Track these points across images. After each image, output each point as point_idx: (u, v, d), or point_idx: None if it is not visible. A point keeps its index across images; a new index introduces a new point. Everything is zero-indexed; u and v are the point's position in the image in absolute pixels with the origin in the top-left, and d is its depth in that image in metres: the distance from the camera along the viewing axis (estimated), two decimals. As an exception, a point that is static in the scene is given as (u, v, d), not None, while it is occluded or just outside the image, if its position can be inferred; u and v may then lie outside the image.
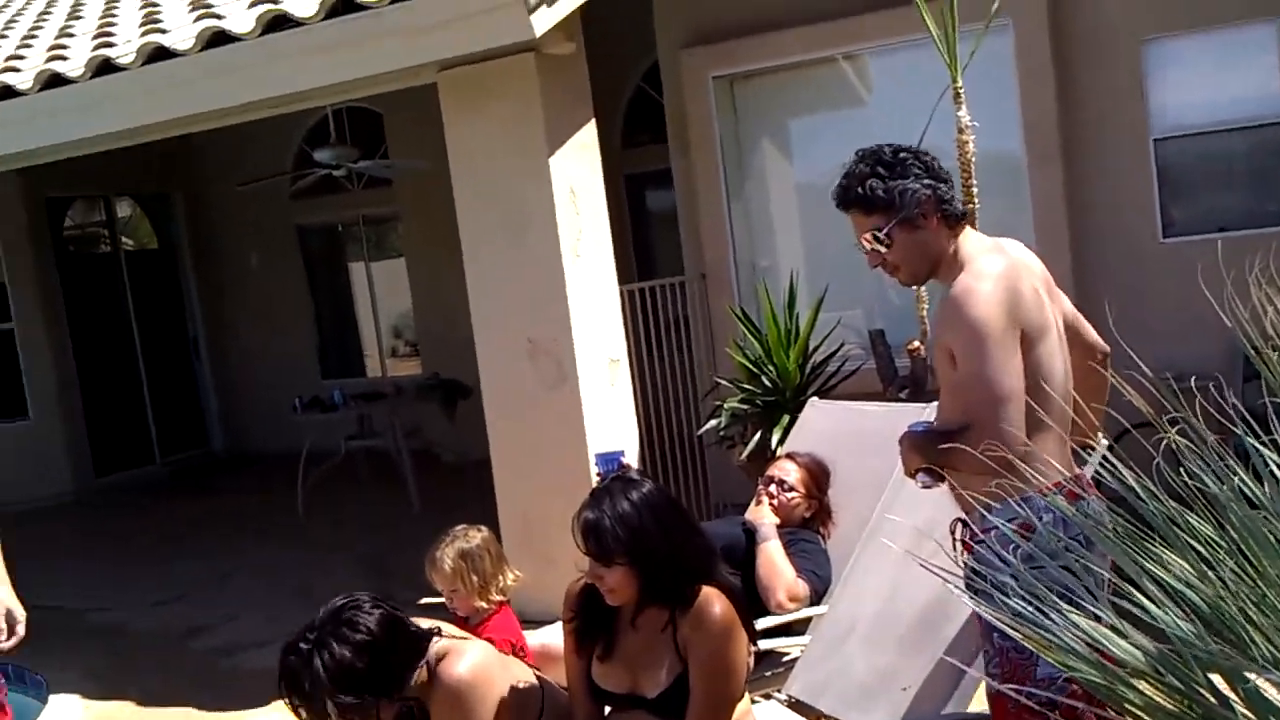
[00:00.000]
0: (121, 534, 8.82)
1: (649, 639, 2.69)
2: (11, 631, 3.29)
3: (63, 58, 5.93)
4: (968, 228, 2.66)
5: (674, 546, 2.65)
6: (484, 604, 3.53)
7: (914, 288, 4.82)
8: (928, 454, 2.56)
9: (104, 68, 5.45)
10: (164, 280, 11.38)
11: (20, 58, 6.49)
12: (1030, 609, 1.58)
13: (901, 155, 2.63)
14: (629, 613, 2.72)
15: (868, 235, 2.64)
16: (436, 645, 2.79)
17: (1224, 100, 5.76)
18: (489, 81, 4.98)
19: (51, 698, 5.25)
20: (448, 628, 2.93)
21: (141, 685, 5.31)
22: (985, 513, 2.20)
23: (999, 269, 2.53)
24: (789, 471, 4.04)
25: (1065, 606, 1.57)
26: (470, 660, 2.73)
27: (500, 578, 3.58)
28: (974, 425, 2.38)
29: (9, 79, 5.84)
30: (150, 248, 11.69)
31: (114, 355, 10.74)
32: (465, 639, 2.88)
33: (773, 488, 4.00)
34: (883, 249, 2.63)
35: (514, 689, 2.79)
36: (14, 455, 9.79)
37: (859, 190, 2.63)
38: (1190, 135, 5.82)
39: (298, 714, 2.69)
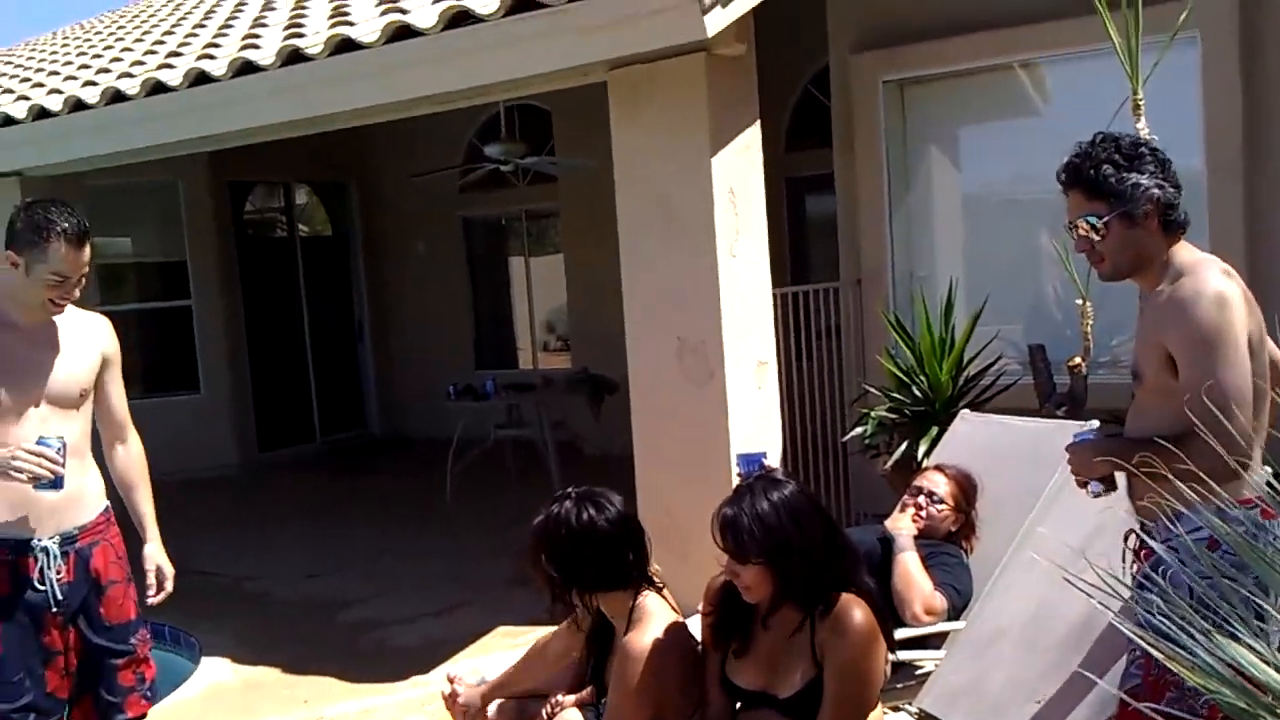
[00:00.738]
0: (279, 507, 9.18)
1: (785, 639, 2.68)
2: (160, 587, 3.43)
3: (255, 47, 6.22)
4: (1183, 240, 2.60)
5: (812, 549, 2.62)
6: None
7: (1079, 303, 4.71)
8: (1123, 458, 2.46)
9: (293, 57, 5.68)
10: (335, 266, 11.81)
11: (216, 46, 6.83)
12: (1174, 628, 1.53)
13: (1141, 149, 2.58)
14: (765, 611, 2.71)
15: (1084, 222, 2.59)
16: (645, 599, 2.88)
17: None
18: (657, 80, 5.02)
19: (203, 659, 5.53)
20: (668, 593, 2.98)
21: (288, 653, 5.51)
22: (1170, 524, 2.11)
23: (1227, 278, 2.50)
24: (939, 484, 3.96)
25: (1209, 628, 1.51)
26: (653, 635, 2.77)
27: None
28: (1197, 431, 2.24)
29: (204, 65, 6.15)
30: (324, 234, 12.15)
31: (283, 336, 11.20)
32: (669, 610, 2.91)
33: (921, 499, 3.93)
34: (1095, 237, 2.58)
35: (685, 675, 2.82)
36: (183, 426, 10.21)
37: (1091, 172, 2.57)
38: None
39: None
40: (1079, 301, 4.70)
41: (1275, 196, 5.62)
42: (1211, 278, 2.47)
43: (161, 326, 10.39)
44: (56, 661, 3.26)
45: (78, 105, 6.78)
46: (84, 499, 3.31)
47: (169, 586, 3.45)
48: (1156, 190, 2.53)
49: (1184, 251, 2.58)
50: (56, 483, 3.10)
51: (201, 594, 6.01)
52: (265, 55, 5.89)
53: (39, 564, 3.19)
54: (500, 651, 5.21)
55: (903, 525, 3.84)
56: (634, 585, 2.89)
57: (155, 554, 3.44)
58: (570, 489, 2.95)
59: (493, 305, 11.78)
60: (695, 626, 3.80)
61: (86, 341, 3.35)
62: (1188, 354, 2.43)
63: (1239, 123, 5.59)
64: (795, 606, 2.66)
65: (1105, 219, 2.55)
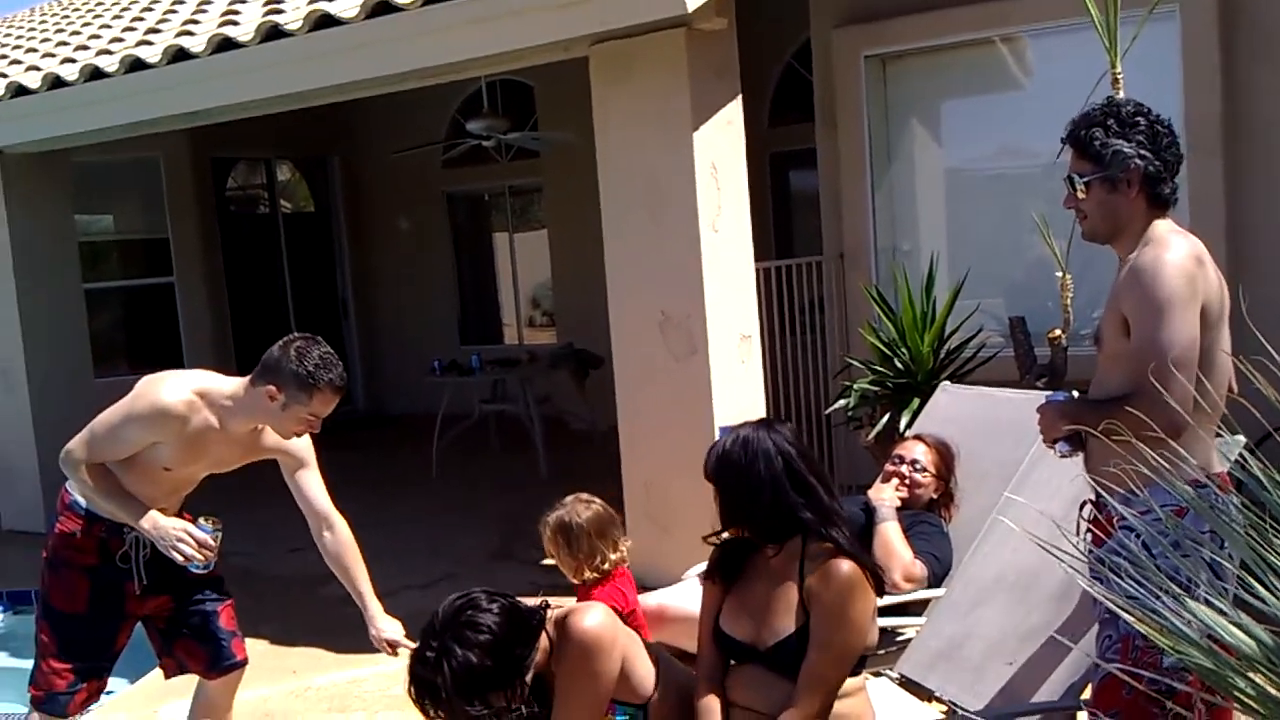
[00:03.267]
0: (263, 484, 9.16)
1: (776, 590, 2.71)
2: (397, 648, 3.51)
3: (234, 23, 6.19)
4: (1169, 216, 2.67)
5: (758, 487, 2.68)
6: (589, 574, 3.46)
7: (1059, 275, 4.74)
8: (1079, 419, 2.56)
9: (272, 33, 5.67)
10: (318, 242, 11.78)
11: (195, 23, 6.79)
12: (1146, 594, 1.57)
13: (1137, 118, 2.63)
14: (761, 561, 2.76)
15: (1069, 179, 2.70)
16: (553, 613, 2.80)
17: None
18: (638, 56, 5.02)
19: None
20: (554, 600, 2.91)
21: (274, 626, 5.52)
22: (1130, 495, 2.14)
23: (1190, 246, 2.56)
24: (920, 452, 4.01)
25: (1180, 593, 1.55)
26: (595, 616, 2.77)
27: (599, 556, 3.45)
28: (1140, 392, 2.35)
29: (183, 42, 6.12)
30: (307, 210, 12.11)
31: (267, 313, 11.16)
32: (585, 603, 2.91)
33: (904, 468, 3.98)
34: (1079, 195, 2.68)
35: (635, 651, 2.82)
36: (170, 404, 10.20)
37: (1081, 132, 2.67)
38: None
39: (428, 716, 2.72)
40: (1058, 274, 4.73)
41: (1255, 173, 5.65)
42: (1173, 249, 2.53)
43: (144, 304, 10.35)
44: (130, 625, 3.49)
45: (56, 83, 6.75)
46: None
47: (406, 641, 3.46)
48: (1139, 161, 2.58)
49: (1162, 225, 2.63)
50: (207, 565, 3.33)
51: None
52: (244, 32, 5.87)
53: (127, 547, 3.40)
54: (487, 625, 5.24)
55: (885, 495, 3.89)
56: (540, 626, 2.75)
57: (387, 629, 3.55)
58: (429, 632, 2.70)
59: (477, 281, 11.77)
60: (672, 595, 3.83)
61: (268, 446, 3.60)
62: (1137, 318, 2.51)
63: (1218, 98, 5.61)
64: (773, 544, 2.72)
65: (1087, 179, 2.64)
